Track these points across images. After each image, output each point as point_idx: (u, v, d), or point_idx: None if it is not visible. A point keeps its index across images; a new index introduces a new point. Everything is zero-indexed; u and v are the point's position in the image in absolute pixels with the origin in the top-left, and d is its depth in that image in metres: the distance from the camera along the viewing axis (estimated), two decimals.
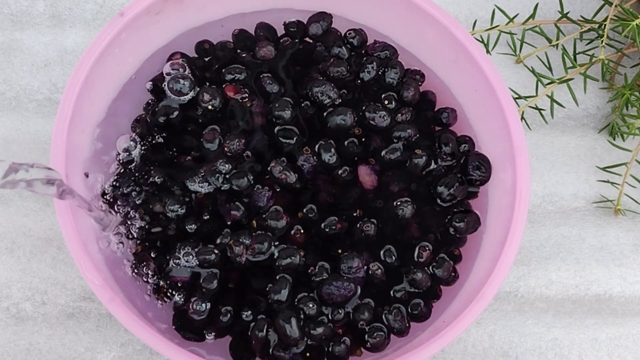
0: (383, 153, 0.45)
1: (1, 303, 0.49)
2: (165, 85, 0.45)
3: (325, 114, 0.45)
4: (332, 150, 0.44)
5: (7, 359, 0.48)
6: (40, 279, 0.50)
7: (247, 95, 0.46)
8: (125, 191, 0.44)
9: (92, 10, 0.56)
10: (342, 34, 0.48)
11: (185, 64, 0.46)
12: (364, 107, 0.45)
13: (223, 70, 0.46)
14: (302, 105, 0.46)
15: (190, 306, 0.42)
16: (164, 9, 0.45)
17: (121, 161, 0.45)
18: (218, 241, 0.43)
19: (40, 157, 0.52)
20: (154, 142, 0.45)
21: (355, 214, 0.44)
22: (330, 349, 0.42)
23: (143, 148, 0.45)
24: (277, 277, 0.42)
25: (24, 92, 0.54)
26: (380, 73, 0.47)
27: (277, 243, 0.43)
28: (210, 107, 0.45)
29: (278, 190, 0.44)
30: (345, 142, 0.45)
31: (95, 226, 0.43)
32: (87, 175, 0.44)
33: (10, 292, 0.49)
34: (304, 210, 0.44)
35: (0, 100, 0.53)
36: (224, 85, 0.46)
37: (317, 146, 0.44)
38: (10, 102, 0.53)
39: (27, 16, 0.56)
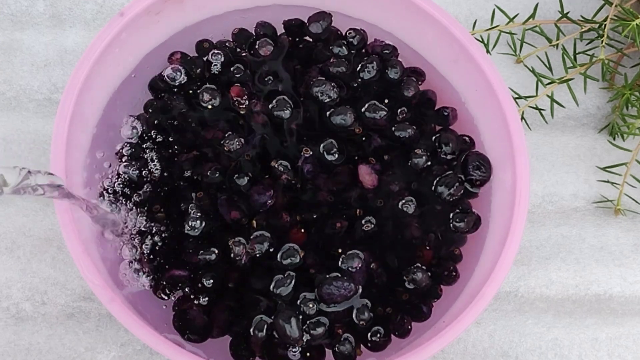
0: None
1: (1, 303, 0.49)
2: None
3: (326, 113, 0.45)
4: (333, 149, 0.44)
5: (7, 359, 0.48)
6: (40, 279, 0.50)
7: (247, 94, 0.45)
8: (124, 190, 0.44)
9: (92, 10, 0.56)
10: (343, 33, 0.48)
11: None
12: (364, 107, 0.45)
13: (223, 69, 0.46)
14: (302, 104, 0.46)
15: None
16: (164, 9, 0.45)
17: (121, 160, 0.45)
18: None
19: (40, 157, 0.52)
20: (153, 141, 0.45)
21: (355, 214, 0.44)
22: (337, 348, 0.42)
23: (142, 147, 0.45)
24: (282, 273, 0.42)
25: (24, 92, 0.54)
26: (380, 72, 0.47)
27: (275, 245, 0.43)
28: (210, 106, 0.45)
29: (278, 189, 0.44)
30: (346, 141, 0.45)
31: (95, 226, 0.43)
32: (87, 175, 0.44)
33: (10, 292, 0.49)
34: (304, 209, 0.44)
35: (0, 100, 0.53)
36: (224, 85, 0.46)
37: (317, 145, 0.44)
38: (10, 102, 0.53)
39: (27, 16, 0.56)
